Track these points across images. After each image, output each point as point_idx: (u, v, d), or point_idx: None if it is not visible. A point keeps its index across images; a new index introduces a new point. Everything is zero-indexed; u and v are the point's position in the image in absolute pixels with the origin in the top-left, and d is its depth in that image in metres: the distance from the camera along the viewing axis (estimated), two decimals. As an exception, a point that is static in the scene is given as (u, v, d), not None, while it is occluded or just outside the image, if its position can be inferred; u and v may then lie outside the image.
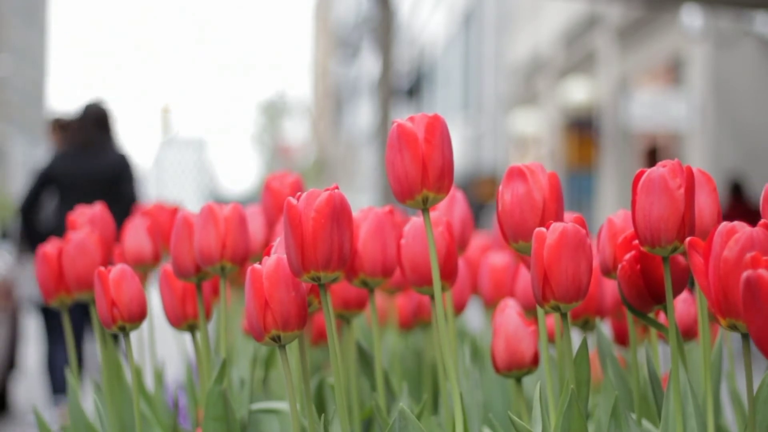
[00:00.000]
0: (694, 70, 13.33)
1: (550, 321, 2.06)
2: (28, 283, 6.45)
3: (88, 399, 2.87)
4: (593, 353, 2.04)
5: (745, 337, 1.33)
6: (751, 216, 8.72)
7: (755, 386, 1.50)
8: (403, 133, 1.51)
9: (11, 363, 7.04)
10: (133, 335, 1.81)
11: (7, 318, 6.90)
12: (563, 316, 1.47)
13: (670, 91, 14.35)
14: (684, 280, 1.62)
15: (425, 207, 1.54)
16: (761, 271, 1.11)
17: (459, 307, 2.19)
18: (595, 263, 1.75)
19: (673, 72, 14.54)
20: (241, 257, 1.81)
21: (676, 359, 1.50)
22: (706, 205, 1.61)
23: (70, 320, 2.15)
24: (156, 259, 2.24)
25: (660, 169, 1.45)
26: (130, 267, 1.76)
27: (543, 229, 1.44)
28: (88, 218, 2.26)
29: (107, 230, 2.24)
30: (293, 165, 62.08)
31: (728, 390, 1.94)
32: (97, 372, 5.95)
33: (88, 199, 4.84)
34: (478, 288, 2.42)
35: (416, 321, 2.47)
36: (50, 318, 6.44)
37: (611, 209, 12.53)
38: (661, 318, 1.86)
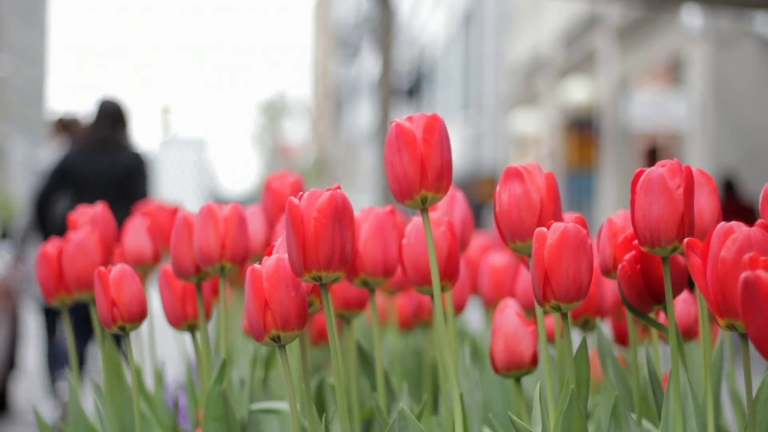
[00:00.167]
0: (694, 70, 13.33)
1: (550, 321, 2.06)
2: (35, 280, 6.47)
3: (88, 399, 2.87)
4: (593, 353, 2.04)
5: (743, 337, 1.33)
6: (744, 213, 8.70)
7: (755, 386, 1.50)
8: (401, 133, 1.51)
9: (11, 363, 7.04)
10: (133, 335, 1.81)
11: (7, 318, 6.90)
12: (564, 316, 1.47)
13: (670, 91, 14.35)
14: (684, 280, 1.62)
15: (424, 207, 1.54)
16: (759, 272, 1.11)
17: (459, 307, 2.19)
18: (595, 263, 1.75)
19: (673, 72, 14.54)
20: (240, 257, 1.81)
21: (676, 359, 1.50)
22: (706, 205, 1.61)
23: (76, 319, 2.15)
24: (156, 259, 2.24)
25: (659, 168, 1.45)
26: (130, 267, 1.76)
27: (544, 229, 1.44)
28: (88, 218, 2.26)
29: (107, 230, 2.24)
30: (293, 165, 62.09)
31: (728, 390, 1.94)
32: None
33: (102, 196, 4.85)
34: (478, 288, 2.42)
35: (416, 321, 2.47)
36: (55, 315, 6.48)
37: (611, 209, 12.53)
38: (661, 318, 1.86)
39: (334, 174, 59.36)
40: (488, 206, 18.07)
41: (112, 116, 5.99)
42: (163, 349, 2.68)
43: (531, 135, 22.02)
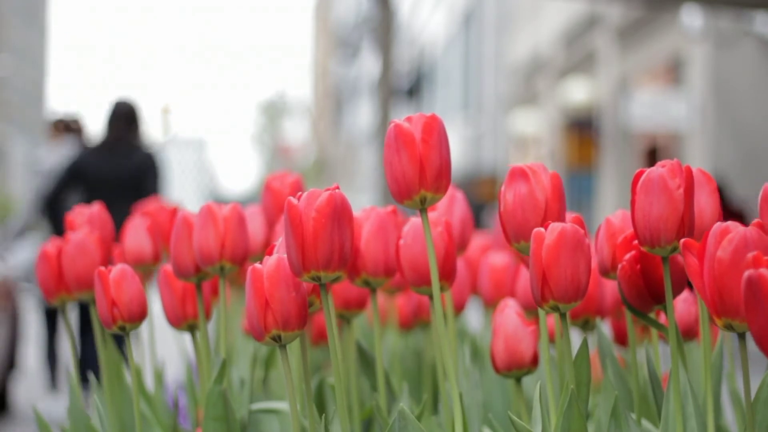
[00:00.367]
0: (694, 70, 13.33)
1: (550, 321, 2.06)
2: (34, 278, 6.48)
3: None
4: (593, 353, 2.04)
5: (741, 337, 1.33)
6: (733, 218, 8.63)
7: (754, 386, 1.50)
8: (400, 134, 1.51)
9: (11, 363, 7.03)
10: (133, 335, 1.81)
11: (7, 318, 6.90)
12: (562, 316, 1.47)
13: (670, 91, 14.35)
14: (684, 280, 1.62)
15: (423, 207, 1.54)
16: (762, 271, 1.11)
17: (459, 307, 2.19)
18: (594, 263, 1.75)
19: (673, 72, 14.54)
20: (240, 257, 1.81)
21: (676, 359, 1.50)
22: (706, 205, 1.61)
23: (80, 319, 2.16)
24: (156, 259, 2.24)
25: (659, 169, 1.45)
26: (130, 267, 1.76)
27: (542, 229, 1.44)
28: (86, 218, 2.26)
29: (106, 230, 2.24)
30: (293, 165, 62.09)
31: (728, 390, 1.94)
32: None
33: (115, 196, 4.88)
34: (478, 288, 2.42)
35: (416, 321, 2.47)
36: (56, 314, 6.51)
37: (611, 209, 12.52)
38: (661, 318, 1.86)
39: (334, 174, 59.36)
40: (488, 206, 18.07)
41: (125, 117, 6.04)
42: (163, 349, 2.68)
43: (531, 135, 22.02)
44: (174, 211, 2.48)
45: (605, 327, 2.13)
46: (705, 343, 1.58)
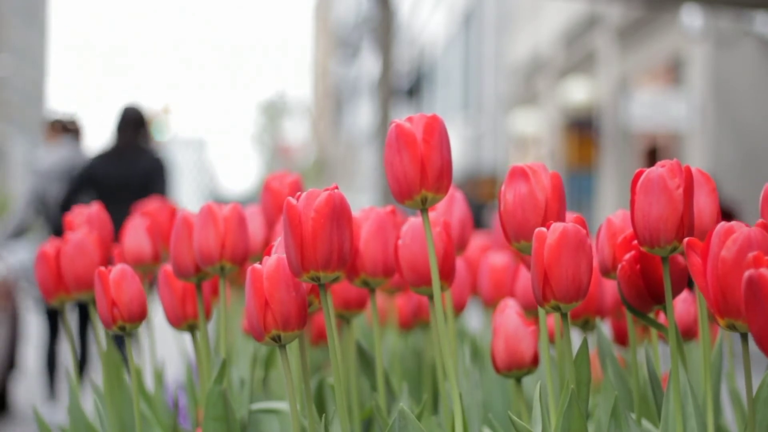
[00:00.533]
0: (694, 70, 13.33)
1: (550, 321, 2.06)
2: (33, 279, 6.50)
3: (88, 399, 2.87)
4: (593, 353, 2.04)
5: (743, 337, 1.33)
6: (723, 218, 8.60)
7: (755, 386, 1.50)
8: (401, 134, 1.51)
9: (11, 363, 7.03)
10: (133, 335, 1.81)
11: (7, 318, 6.90)
12: (563, 316, 1.47)
13: (670, 91, 14.35)
14: (684, 280, 1.62)
15: (424, 207, 1.54)
16: (763, 271, 1.11)
17: (459, 308, 2.19)
18: (594, 263, 1.75)
19: (673, 72, 14.54)
20: (240, 257, 1.81)
21: (676, 359, 1.50)
22: (705, 205, 1.61)
23: (79, 318, 2.16)
24: (156, 259, 2.23)
25: (659, 169, 1.45)
26: (130, 267, 1.76)
27: (543, 229, 1.44)
28: (85, 218, 2.26)
29: (105, 230, 2.24)
30: (293, 165, 62.09)
31: (728, 390, 1.94)
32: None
33: (125, 200, 4.93)
34: (478, 288, 2.42)
35: (416, 321, 2.47)
36: (57, 315, 6.53)
37: (611, 209, 12.53)
38: (661, 318, 1.86)
39: (334, 174, 59.36)
40: (489, 206, 18.07)
41: (133, 123, 6.19)
42: (163, 349, 2.68)
43: (531, 135, 22.02)
44: (174, 211, 2.48)
45: (605, 327, 2.13)
46: (704, 343, 1.58)
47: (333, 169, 61.42)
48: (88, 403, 2.23)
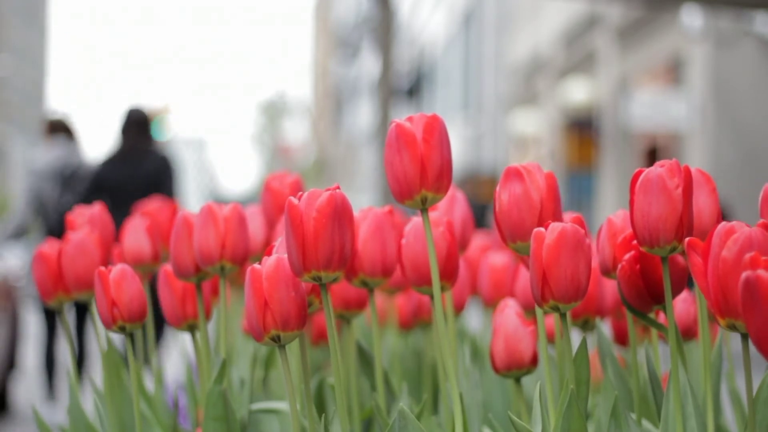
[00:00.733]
0: (694, 70, 13.33)
1: (550, 321, 2.06)
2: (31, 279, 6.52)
3: (88, 399, 2.87)
4: (593, 353, 2.04)
5: (744, 337, 1.33)
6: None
7: (755, 386, 1.50)
8: (401, 134, 1.51)
9: (11, 363, 7.04)
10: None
11: (7, 318, 6.91)
12: (562, 316, 1.47)
13: (670, 91, 14.35)
14: (683, 280, 1.62)
15: (424, 207, 1.54)
16: (760, 272, 1.11)
17: (459, 307, 2.19)
18: (595, 263, 1.75)
19: (673, 72, 14.54)
20: (240, 257, 1.81)
21: (676, 359, 1.50)
22: (705, 205, 1.61)
23: (76, 318, 2.16)
24: (156, 259, 2.24)
25: (658, 169, 1.45)
26: (130, 267, 1.76)
27: (542, 229, 1.44)
28: (87, 218, 2.26)
29: (106, 230, 2.24)
30: (293, 165, 62.08)
31: (728, 390, 1.94)
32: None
33: (134, 201, 5.02)
34: (478, 288, 2.42)
35: (416, 321, 2.47)
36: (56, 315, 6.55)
37: (611, 209, 12.52)
38: (661, 318, 1.86)
39: (334, 174, 59.36)
40: (492, 206, 18.03)
41: (138, 125, 6.28)
42: (163, 349, 2.68)
43: (531, 135, 22.02)
44: (174, 211, 2.48)
45: (605, 327, 2.13)
46: (704, 343, 1.58)
47: (333, 169, 61.42)
48: (88, 403, 2.23)
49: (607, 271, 1.68)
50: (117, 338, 4.53)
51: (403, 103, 30.94)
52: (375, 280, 1.79)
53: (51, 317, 6.65)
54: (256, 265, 1.48)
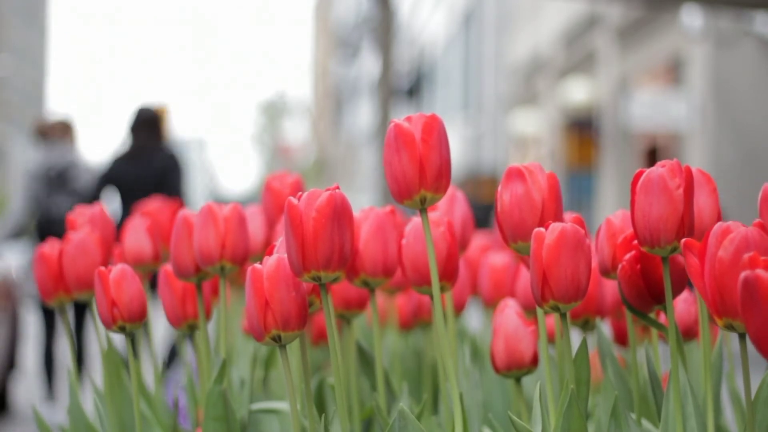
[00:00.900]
0: (694, 70, 13.33)
1: (550, 321, 2.06)
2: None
3: (88, 399, 2.87)
4: (593, 353, 2.04)
5: (742, 337, 1.33)
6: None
7: (754, 386, 1.50)
8: (400, 133, 1.51)
9: (11, 363, 7.04)
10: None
11: (7, 318, 6.91)
12: (562, 316, 1.47)
13: (670, 91, 14.35)
14: (684, 280, 1.62)
15: (423, 207, 1.54)
16: (759, 272, 1.11)
17: (459, 307, 2.19)
18: (594, 263, 1.75)
19: (673, 72, 14.54)
20: (240, 257, 1.81)
21: (676, 359, 1.50)
22: (705, 205, 1.61)
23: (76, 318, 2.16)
24: (156, 259, 2.24)
25: (659, 169, 1.45)
26: (130, 267, 1.76)
27: (542, 229, 1.44)
28: (87, 218, 2.26)
29: (107, 230, 2.24)
30: (293, 165, 62.07)
31: (728, 390, 1.95)
32: None
33: (143, 198, 5.07)
34: (478, 288, 2.42)
35: (416, 321, 2.47)
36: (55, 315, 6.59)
37: (611, 209, 12.52)
38: (662, 318, 1.86)
39: (334, 174, 59.35)
40: (492, 206, 18.03)
41: (147, 123, 6.38)
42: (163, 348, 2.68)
43: (531, 135, 22.01)
44: (175, 211, 2.48)
45: (605, 327, 2.13)
46: (705, 343, 1.58)
47: (333, 169, 61.41)
48: (88, 403, 2.23)
49: (606, 271, 1.68)
50: (117, 338, 4.53)
51: (403, 103, 30.94)
52: (376, 280, 1.79)
53: (50, 317, 6.66)
54: (257, 265, 1.48)
